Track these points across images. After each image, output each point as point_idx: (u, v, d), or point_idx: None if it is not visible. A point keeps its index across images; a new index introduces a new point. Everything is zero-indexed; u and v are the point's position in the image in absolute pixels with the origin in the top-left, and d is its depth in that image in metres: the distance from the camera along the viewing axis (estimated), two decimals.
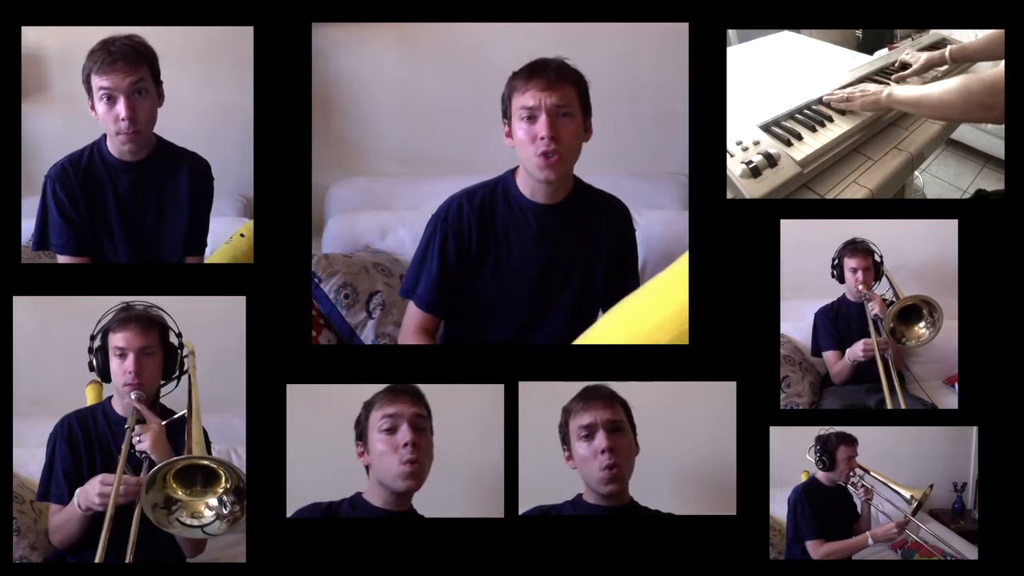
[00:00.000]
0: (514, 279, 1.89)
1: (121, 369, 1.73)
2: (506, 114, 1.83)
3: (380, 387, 1.74)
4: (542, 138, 1.76)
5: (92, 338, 1.74)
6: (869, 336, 2.05)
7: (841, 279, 2.12)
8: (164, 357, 1.75)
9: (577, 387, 1.78)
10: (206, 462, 1.57)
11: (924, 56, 2.04)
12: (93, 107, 1.83)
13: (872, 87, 1.97)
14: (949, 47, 2.00)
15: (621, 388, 1.78)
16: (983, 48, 1.90)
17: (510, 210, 1.87)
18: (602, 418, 1.73)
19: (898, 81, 2.02)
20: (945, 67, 2.04)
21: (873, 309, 2.06)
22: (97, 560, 1.58)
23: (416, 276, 1.92)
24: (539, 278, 1.89)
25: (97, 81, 1.79)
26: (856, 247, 2.09)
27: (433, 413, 1.75)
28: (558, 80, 1.77)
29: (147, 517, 1.56)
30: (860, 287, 2.09)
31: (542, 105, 1.76)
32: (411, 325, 1.93)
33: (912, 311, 2.01)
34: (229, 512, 1.57)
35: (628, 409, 1.78)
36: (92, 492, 1.66)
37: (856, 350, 2.07)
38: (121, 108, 1.80)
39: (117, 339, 1.72)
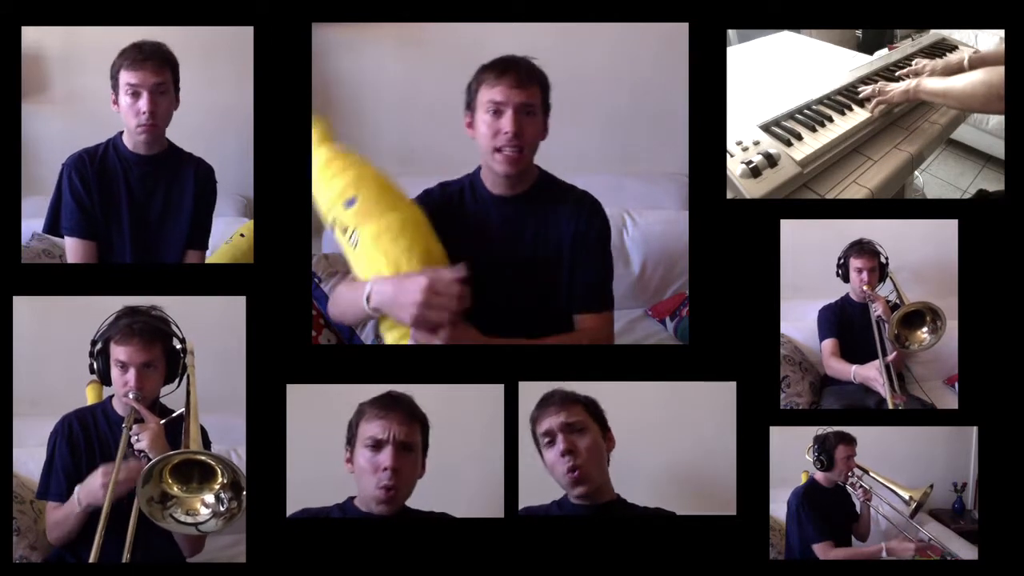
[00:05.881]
0: (483, 271, 1.79)
1: (122, 380, 1.72)
2: (470, 105, 1.83)
3: (379, 389, 1.74)
4: (505, 133, 1.77)
5: (93, 343, 1.74)
6: (871, 339, 2.05)
7: (846, 279, 2.13)
8: (166, 366, 1.75)
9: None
10: (202, 457, 1.57)
11: (942, 63, 2.03)
12: (116, 101, 1.90)
13: (897, 83, 1.98)
14: (968, 55, 1.98)
15: (606, 388, 1.77)
16: (1002, 56, 1.88)
17: (476, 203, 1.87)
18: (557, 422, 1.73)
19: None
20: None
21: (877, 310, 2.06)
22: (92, 559, 1.58)
23: None
24: (505, 269, 1.84)
25: (125, 77, 1.86)
26: (863, 248, 2.09)
27: (433, 413, 1.74)
28: (527, 80, 1.79)
29: (145, 517, 1.56)
30: (864, 288, 2.09)
31: (510, 101, 1.77)
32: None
33: (915, 316, 2.01)
34: (226, 509, 1.57)
35: (594, 407, 1.77)
36: (95, 484, 1.67)
37: (868, 376, 2.04)
38: (144, 103, 1.87)
39: (119, 352, 1.71)
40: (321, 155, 1.83)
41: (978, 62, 1.95)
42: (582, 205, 1.87)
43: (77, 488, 1.70)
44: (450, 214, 1.85)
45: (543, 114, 1.82)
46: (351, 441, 1.72)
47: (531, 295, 1.85)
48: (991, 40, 1.92)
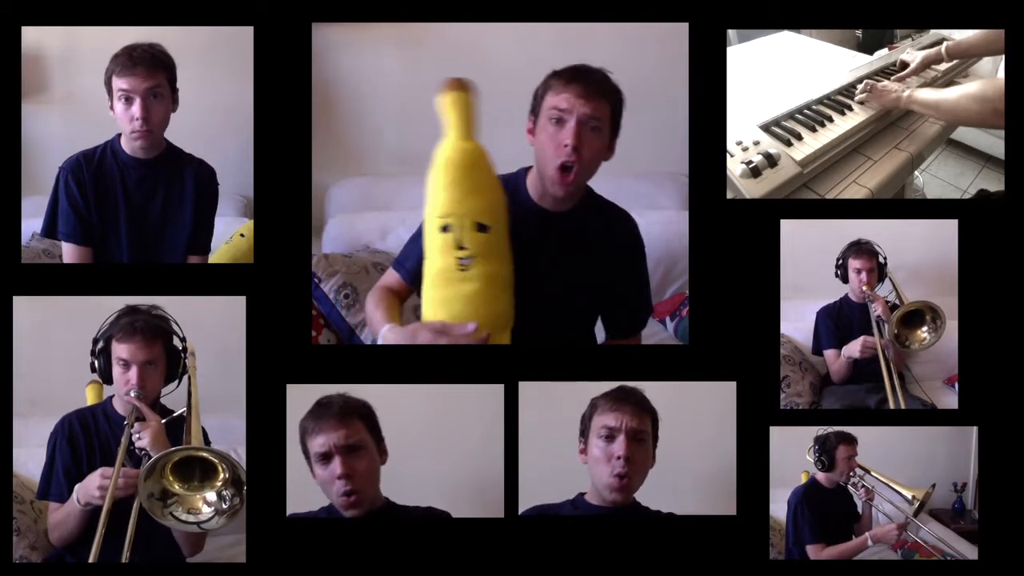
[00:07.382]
0: (519, 283, 1.75)
1: (123, 379, 1.72)
2: (534, 110, 1.74)
3: (378, 389, 1.74)
4: (565, 145, 1.67)
5: (95, 341, 1.74)
6: (870, 336, 2.05)
7: (845, 279, 2.13)
8: (167, 365, 1.75)
9: (603, 386, 1.75)
10: (204, 454, 1.57)
11: (921, 54, 2.04)
12: (112, 106, 1.89)
13: (893, 85, 1.98)
14: (945, 43, 2.00)
15: (607, 388, 1.76)
16: (978, 44, 1.90)
17: (518, 210, 1.76)
18: (628, 424, 1.70)
19: (897, 81, 2.02)
20: (943, 64, 2.04)
21: (876, 310, 2.06)
22: (92, 558, 1.58)
23: (409, 250, 1.82)
24: (542, 284, 1.76)
25: (117, 83, 1.86)
26: (861, 248, 2.09)
27: (434, 413, 1.74)
28: (597, 92, 1.69)
29: (146, 516, 1.56)
30: (864, 288, 2.09)
31: (574, 111, 1.67)
32: (382, 282, 1.84)
33: (915, 315, 2.01)
34: (228, 506, 1.57)
35: (656, 420, 1.75)
36: (92, 485, 1.66)
37: (853, 348, 2.06)
38: (136, 109, 1.86)
39: (120, 350, 1.72)
40: (458, 155, 1.68)
41: (955, 50, 1.96)
42: (629, 232, 1.86)
43: (77, 487, 1.70)
44: None
45: (610, 133, 1.73)
46: (307, 457, 1.70)
47: (566, 311, 1.82)
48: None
